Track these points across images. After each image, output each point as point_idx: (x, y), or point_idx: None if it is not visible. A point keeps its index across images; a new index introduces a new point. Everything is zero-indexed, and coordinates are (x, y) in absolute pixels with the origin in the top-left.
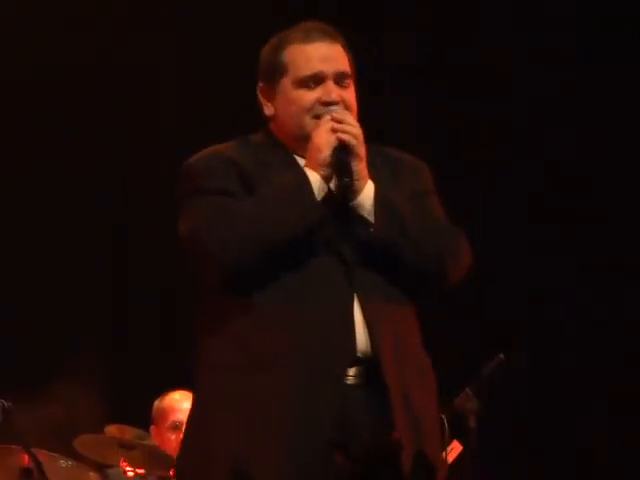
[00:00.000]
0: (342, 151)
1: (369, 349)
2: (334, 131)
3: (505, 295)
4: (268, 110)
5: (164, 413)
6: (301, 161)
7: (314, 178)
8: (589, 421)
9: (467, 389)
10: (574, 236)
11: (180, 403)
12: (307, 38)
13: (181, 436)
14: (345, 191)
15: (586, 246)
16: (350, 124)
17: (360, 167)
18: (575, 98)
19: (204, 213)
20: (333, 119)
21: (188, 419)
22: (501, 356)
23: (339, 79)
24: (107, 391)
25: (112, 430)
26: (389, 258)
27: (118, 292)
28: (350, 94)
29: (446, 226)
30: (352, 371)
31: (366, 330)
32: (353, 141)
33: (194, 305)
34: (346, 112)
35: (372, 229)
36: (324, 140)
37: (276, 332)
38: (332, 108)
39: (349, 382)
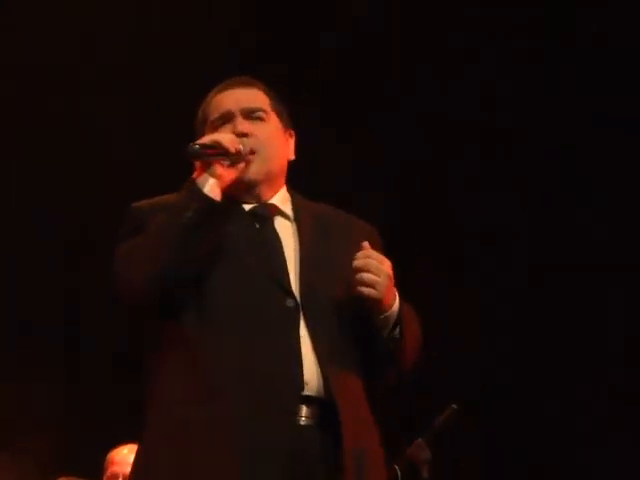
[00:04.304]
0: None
1: (322, 389)
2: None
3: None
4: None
5: (106, 464)
6: (246, 206)
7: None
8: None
9: (419, 439)
10: None
11: (123, 456)
12: (220, 90)
13: None
14: None
15: None
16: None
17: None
18: None
19: (119, 255)
20: None
21: (134, 457)
22: (454, 406)
23: (248, 114)
24: (60, 443)
25: None
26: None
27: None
28: (263, 128)
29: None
30: (304, 411)
31: (318, 369)
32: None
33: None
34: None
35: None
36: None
37: (217, 364)
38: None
39: (302, 422)
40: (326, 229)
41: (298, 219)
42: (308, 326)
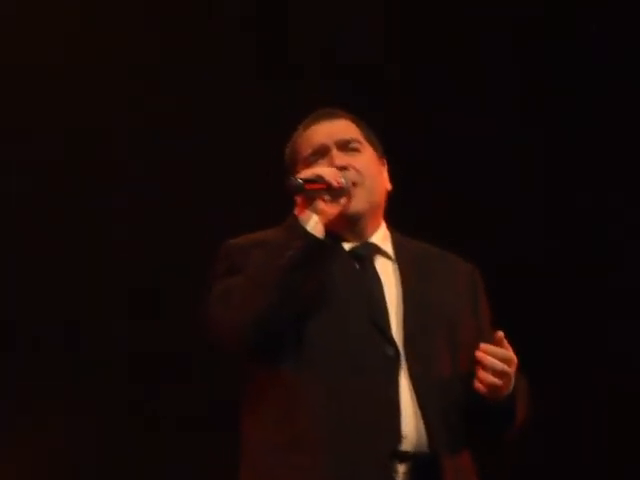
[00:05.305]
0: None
1: (421, 444)
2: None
3: None
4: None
5: None
6: (345, 245)
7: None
8: None
9: None
10: None
11: None
12: (309, 124)
13: None
14: None
15: None
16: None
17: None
18: None
19: (214, 296)
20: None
21: None
22: None
23: (343, 146)
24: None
25: None
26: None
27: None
28: (361, 159)
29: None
30: (399, 466)
31: (418, 422)
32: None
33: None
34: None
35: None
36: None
37: (311, 411)
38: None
39: (396, 478)
40: (428, 271)
41: (399, 259)
42: (409, 376)
